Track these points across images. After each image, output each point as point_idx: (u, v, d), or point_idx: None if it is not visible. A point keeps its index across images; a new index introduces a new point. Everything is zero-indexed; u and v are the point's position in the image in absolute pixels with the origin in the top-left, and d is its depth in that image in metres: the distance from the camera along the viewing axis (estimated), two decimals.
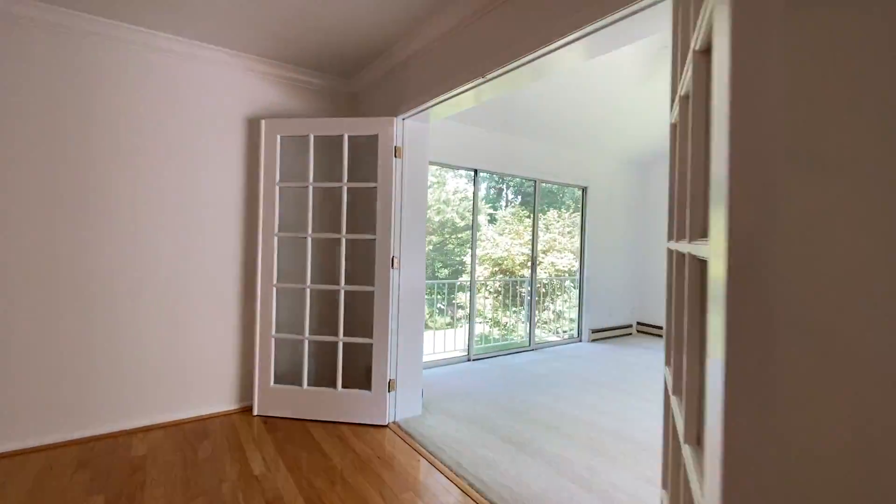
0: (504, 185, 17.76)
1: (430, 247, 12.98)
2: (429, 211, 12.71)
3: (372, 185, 3.03)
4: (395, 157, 3.01)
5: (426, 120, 3.11)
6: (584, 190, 5.87)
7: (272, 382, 3.09)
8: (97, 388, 2.76)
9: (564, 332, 6.58)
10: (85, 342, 2.72)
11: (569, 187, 5.70)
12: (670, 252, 1.38)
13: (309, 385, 3.10)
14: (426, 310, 11.92)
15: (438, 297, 12.92)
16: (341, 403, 3.03)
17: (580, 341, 5.82)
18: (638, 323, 6.53)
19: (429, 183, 12.79)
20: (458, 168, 4.70)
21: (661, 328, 6.23)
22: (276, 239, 3.09)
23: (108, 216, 2.76)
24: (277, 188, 3.08)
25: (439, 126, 4.46)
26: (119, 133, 2.78)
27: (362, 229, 3.25)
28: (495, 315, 10.22)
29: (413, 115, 2.95)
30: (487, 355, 4.97)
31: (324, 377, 3.40)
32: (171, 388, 2.98)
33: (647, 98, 4.75)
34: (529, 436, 2.97)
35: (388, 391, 3.01)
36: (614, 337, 6.10)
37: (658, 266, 6.39)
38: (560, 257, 11.44)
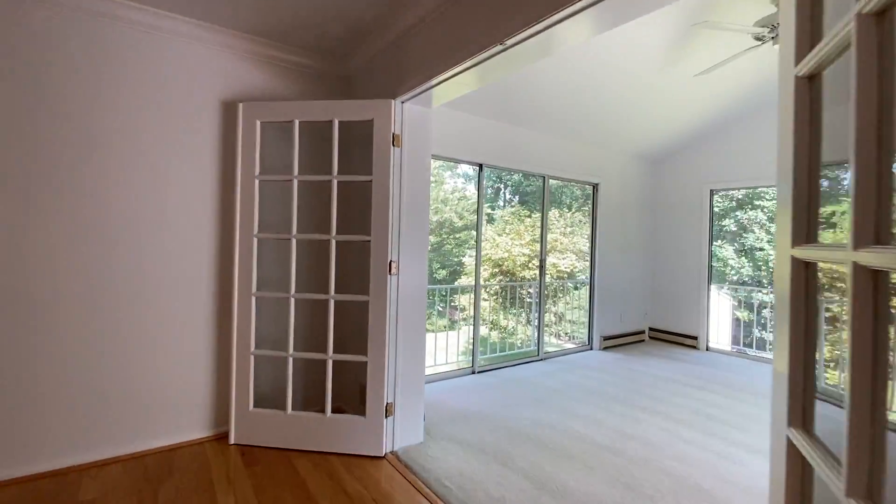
0: (502, 185, 17.38)
1: (429, 247, 12.53)
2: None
3: (366, 178, 2.59)
4: (394, 145, 2.58)
5: (428, 103, 2.68)
6: (595, 187, 5.46)
7: (251, 406, 2.66)
8: (42, 416, 2.31)
9: (573, 336, 6.18)
10: (26, 361, 2.27)
11: (579, 184, 5.30)
12: (797, 262, 0.96)
13: (294, 410, 2.67)
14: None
15: (437, 298, 12.52)
16: (331, 431, 2.60)
17: (591, 349, 5.41)
18: (650, 329, 6.12)
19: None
20: (463, 162, 4.27)
21: (675, 335, 5.84)
22: (255, 241, 2.65)
23: (53, 214, 2.31)
24: (257, 182, 2.64)
25: (442, 117, 4.03)
26: (65, 117, 2.33)
27: (356, 230, 2.82)
28: (496, 318, 9.82)
29: (414, 96, 2.52)
30: (493, 367, 4.55)
31: (312, 400, 2.97)
32: (132, 414, 2.54)
33: (669, 86, 4.33)
34: (550, 469, 2.54)
35: (386, 416, 2.58)
36: (626, 344, 5.69)
37: (671, 268, 5.99)
38: (562, 258, 11.04)
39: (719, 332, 5.78)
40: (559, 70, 3.88)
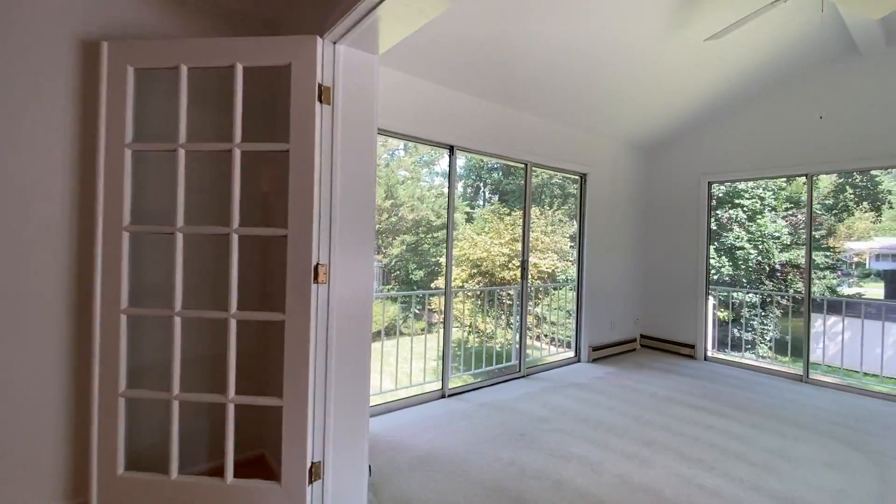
0: (481, 183, 16.70)
1: (404, 247, 11.78)
2: (402, 209, 11.49)
3: (281, 147, 1.81)
4: (321, 101, 1.80)
5: (373, 47, 1.91)
6: (582, 178, 4.77)
7: (121, 469, 1.85)
8: None
9: (556, 339, 5.49)
10: None
11: (565, 173, 4.60)
12: None
13: (181, 473, 1.87)
14: (399, 314, 10.64)
15: (414, 300, 11.70)
16: (233, 503, 1.81)
17: (579, 361, 4.71)
18: (642, 336, 5.47)
19: (401, 178, 11.50)
20: (429, 143, 3.50)
21: (669, 343, 5.19)
22: (125, 236, 1.84)
23: None
24: (129, 153, 1.84)
25: (403, 86, 3.26)
26: None
27: (280, 222, 2.03)
28: (473, 321, 9.09)
29: (349, 30, 1.74)
30: (468, 388, 3.79)
31: (208, 456, 2.17)
32: None
33: (668, 61, 3.66)
34: None
35: (309, 482, 1.80)
36: (617, 355, 5.01)
37: (665, 269, 5.34)
38: (543, 258, 10.39)
39: (715, 339, 5.17)
40: (546, 40, 3.15)
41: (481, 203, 16.01)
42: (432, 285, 10.11)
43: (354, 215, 1.95)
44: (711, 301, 5.14)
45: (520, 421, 3.11)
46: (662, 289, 5.34)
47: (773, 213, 13.80)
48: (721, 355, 4.97)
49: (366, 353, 2.00)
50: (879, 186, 13.95)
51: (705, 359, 4.95)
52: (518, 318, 4.34)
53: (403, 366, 5.03)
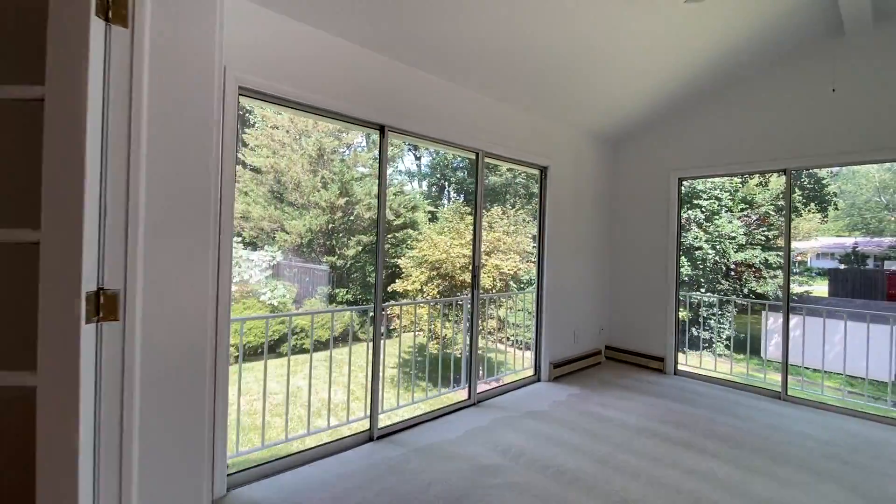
0: (446, 182, 16.03)
1: (360, 247, 10.95)
2: (358, 207, 10.65)
3: (31, 93, 1.06)
4: (107, 19, 1.06)
5: None
6: (543, 171, 4.15)
7: None
8: None
9: (525, 344, 4.86)
10: None
11: (523, 166, 3.97)
12: None
13: None
14: (354, 318, 9.86)
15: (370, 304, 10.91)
16: None
17: (538, 380, 4.09)
18: (607, 348, 4.92)
19: (359, 174, 10.65)
20: (354, 121, 2.77)
21: (636, 355, 4.66)
22: None
23: None
24: None
25: (318, 44, 2.51)
26: None
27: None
28: (430, 325, 8.41)
29: None
30: (404, 424, 3.05)
31: None
32: None
33: (637, 34, 3.06)
34: None
35: None
36: (581, 370, 4.43)
37: (632, 273, 4.81)
38: (505, 259, 9.82)
39: (687, 352, 4.68)
40: (498, 5, 2.49)
41: (446, 203, 15.37)
42: (389, 289, 9.35)
43: (179, 208, 1.20)
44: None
45: (462, 474, 2.42)
46: (629, 295, 4.80)
47: (730, 213, 13.79)
48: (691, 368, 4.47)
49: (202, 426, 1.25)
50: (826, 189, 14.17)
51: (675, 373, 4.44)
52: (468, 336, 3.66)
53: (342, 388, 4.29)
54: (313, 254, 10.15)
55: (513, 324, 8.29)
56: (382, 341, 3.15)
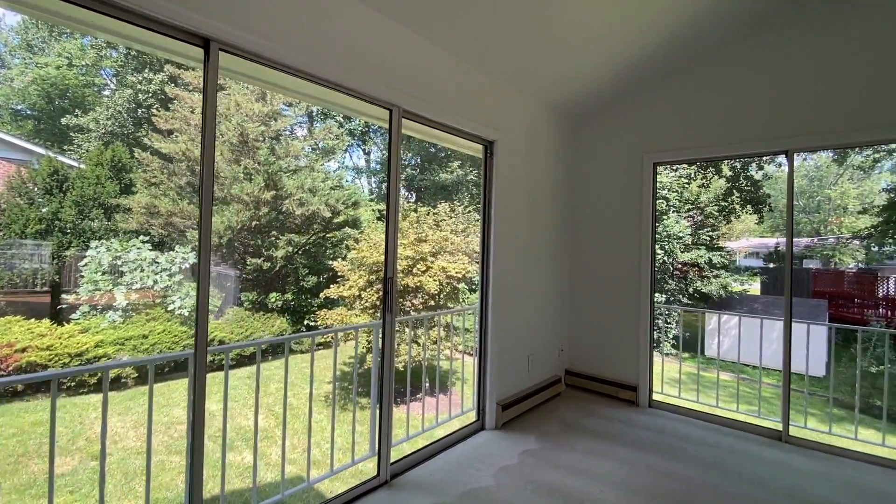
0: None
1: (291, 248, 9.46)
2: (289, 202, 9.10)
3: None
4: None
5: None
6: (488, 147, 3.03)
7: None
8: None
9: (470, 348, 3.71)
10: None
11: (462, 136, 2.83)
12: None
13: None
14: (289, 328, 8.40)
15: (306, 312, 9.45)
16: None
17: (482, 428, 2.97)
18: (568, 372, 3.90)
19: (288, 165, 9.18)
20: (163, 26, 1.51)
21: (603, 382, 3.66)
22: None
23: None
24: None
25: None
26: None
27: None
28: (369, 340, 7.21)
29: None
30: None
31: None
32: None
33: None
34: None
35: None
36: (537, 407, 3.35)
37: (597, 280, 3.81)
38: (453, 261, 8.72)
39: (663, 377, 3.75)
40: None
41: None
42: (324, 294, 7.98)
43: None
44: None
45: None
46: (594, 308, 3.80)
47: (677, 213, 13.45)
48: (667, 397, 3.52)
49: None
50: (761, 191, 14.11)
51: (650, 405, 3.47)
52: (376, 388, 2.44)
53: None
54: (235, 254, 8.61)
55: (465, 329, 7.24)
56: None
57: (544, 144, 3.53)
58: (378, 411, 2.31)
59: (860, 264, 14.05)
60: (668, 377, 6.41)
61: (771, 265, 16.50)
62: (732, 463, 2.56)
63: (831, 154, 13.60)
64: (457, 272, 7.94)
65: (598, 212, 3.78)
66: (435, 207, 9.02)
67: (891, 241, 10.30)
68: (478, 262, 3.06)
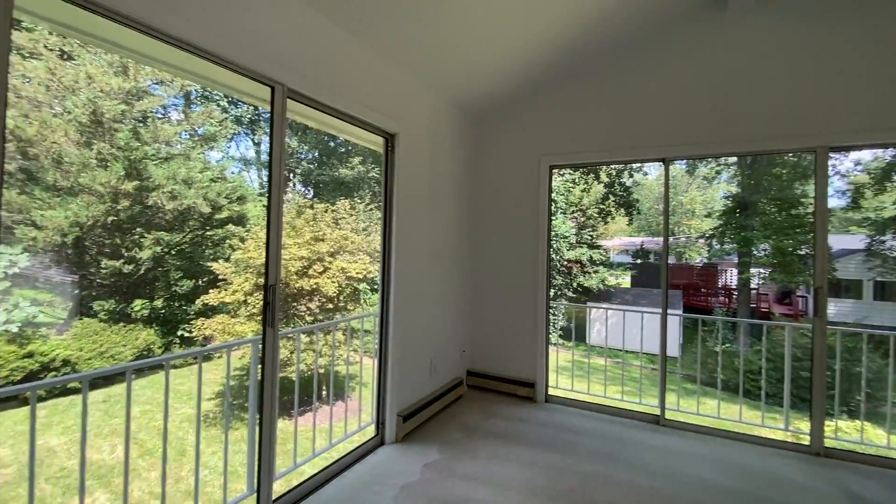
0: (290, 172, 13.63)
1: (160, 248, 8.16)
2: (156, 195, 7.75)
3: None
4: None
5: None
6: (389, 140, 2.81)
7: None
8: None
9: (372, 351, 3.39)
10: None
11: (359, 125, 2.56)
12: None
13: None
14: (159, 340, 7.26)
15: (180, 321, 8.25)
16: None
17: (382, 443, 2.75)
18: (469, 373, 3.85)
19: (155, 152, 7.95)
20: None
21: (503, 381, 3.68)
22: None
23: None
24: None
25: None
26: None
27: None
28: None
29: None
30: None
31: None
32: None
33: None
34: None
35: None
36: (439, 413, 3.23)
37: (497, 281, 3.81)
38: (353, 261, 8.31)
39: (557, 372, 3.89)
40: None
41: (290, 196, 13.04)
42: (201, 301, 7.01)
43: None
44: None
45: None
46: (494, 307, 3.80)
47: (564, 215, 14.56)
48: (563, 391, 3.65)
49: None
50: (632, 196, 15.92)
51: (547, 400, 3.57)
52: (255, 412, 2.09)
53: None
54: (86, 256, 7.18)
55: (363, 331, 6.90)
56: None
57: (447, 141, 3.42)
58: (257, 445, 1.96)
59: (705, 259, 16.67)
60: (559, 366, 6.81)
61: (638, 261, 18.78)
62: (621, 451, 2.69)
63: (684, 165, 15.78)
64: (357, 272, 7.57)
65: (499, 212, 3.79)
66: (334, 204, 8.52)
67: (728, 240, 12.27)
68: (380, 262, 2.83)
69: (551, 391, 3.59)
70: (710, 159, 13.00)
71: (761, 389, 3.66)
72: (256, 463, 1.95)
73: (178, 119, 9.75)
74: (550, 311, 3.64)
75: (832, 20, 2.71)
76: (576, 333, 13.01)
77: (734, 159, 12.30)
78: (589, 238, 14.97)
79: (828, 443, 2.76)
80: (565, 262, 14.18)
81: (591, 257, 14.46)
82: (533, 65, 3.18)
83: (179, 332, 7.77)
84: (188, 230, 8.10)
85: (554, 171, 3.68)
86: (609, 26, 2.94)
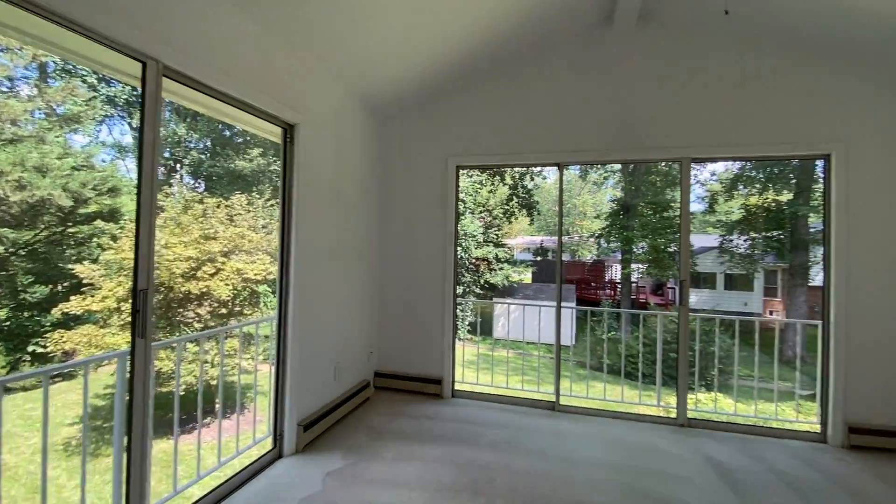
0: (176, 162, 12.22)
1: (3, 248, 6.70)
2: None
3: None
4: None
5: None
6: (288, 131, 2.62)
7: None
8: None
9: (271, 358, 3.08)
10: None
11: (251, 114, 2.31)
12: None
13: None
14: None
15: (32, 334, 6.92)
16: None
17: (280, 455, 2.56)
18: (377, 374, 3.77)
19: (4, 132, 6.65)
20: None
21: (410, 379, 3.66)
22: None
23: None
24: None
25: None
26: None
27: None
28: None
29: None
30: None
31: None
32: None
33: None
34: None
35: None
36: (346, 417, 3.10)
37: (404, 280, 3.78)
38: (251, 261, 7.69)
39: (463, 366, 3.98)
40: None
41: (176, 190, 11.63)
42: (58, 310, 5.94)
43: None
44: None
45: None
46: (404, 305, 3.77)
47: (472, 214, 15.04)
48: (468, 386, 3.75)
49: None
50: (533, 198, 16.99)
51: (453, 395, 3.63)
52: (119, 451, 1.82)
53: None
54: None
55: (264, 337, 6.41)
56: None
57: (353, 136, 3.30)
58: (125, 472, 1.69)
59: (595, 257, 18.40)
60: (466, 360, 7.02)
61: (538, 258, 20.14)
62: (520, 439, 2.83)
63: (577, 170, 17.20)
64: (256, 274, 7.02)
65: (408, 211, 3.76)
66: (228, 199, 7.82)
67: (613, 239, 13.64)
68: (277, 262, 2.63)
69: (458, 386, 3.67)
70: (598, 166, 14.38)
71: (632, 369, 4.11)
72: (124, 493, 1.68)
73: (29, 94, 8.16)
74: (459, 307, 3.70)
75: (700, 44, 3.13)
76: (483, 328, 13.54)
77: (619, 167, 13.75)
78: (495, 237, 15.63)
79: (690, 414, 3.19)
80: (473, 260, 14.67)
81: (497, 255, 15.13)
82: (441, 67, 3.20)
83: (31, 348, 6.52)
84: (42, 227, 6.84)
85: (462, 171, 3.75)
86: (511, 37, 3.07)
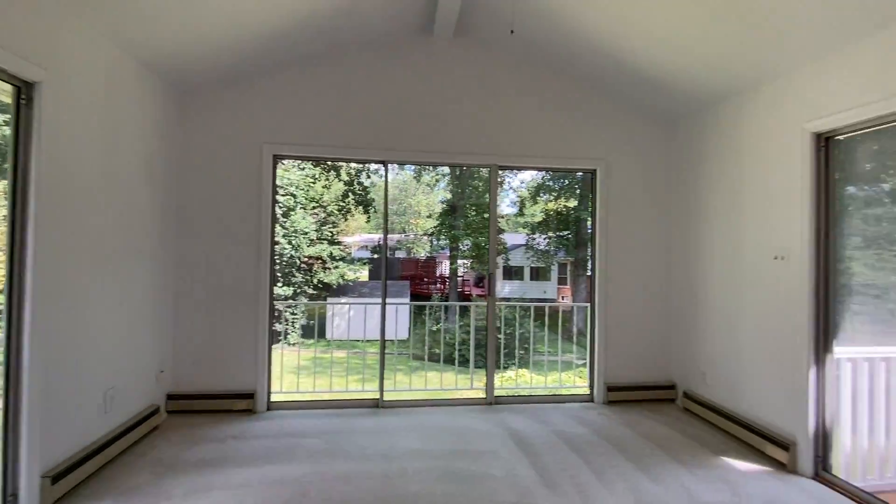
0: None
1: None
2: None
3: None
4: None
5: None
6: (21, 90, 1.92)
7: None
8: None
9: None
10: None
11: None
12: None
13: None
14: None
15: None
16: None
17: None
18: (171, 397, 3.14)
19: None
20: None
21: (215, 398, 3.16)
22: None
23: None
24: None
25: None
26: None
27: None
28: None
29: None
30: None
31: None
32: None
33: None
34: None
35: None
36: (119, 457, 2.45)
37: (205, 278, 3.27)
38: None
39: (282, 373, 3.65)
40: None
41: None
42: None
43: None
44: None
45: None
46: (208, 312, 3.24)
47: (304, 210, 14.18)
48: (286, 395, 3.46)
49: None
50: (369, 195, 17.03)
51: (269, 408, 3.30)
52: None
53: None
54: None
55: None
56: None
57: (138, 111, 2.67)
58: None
59: (427, 254, 19.40)
60: (294, 366, 6.55)
61: (375, 256, 20.25)
62: (340, 443, 2.73)
63: (412, 171, 17.84)
64: None
65: (213, 203, 3.25)
66: None
67: (443, 237, 14.64)
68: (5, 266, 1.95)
69: (274, 397, 3.35)
70: (430, 168, 15.19)
71: (460, 358, 4.43)
72: None
73: None
74: (290, 310, 3.37)
75: (506, 61, 3.49)
76: (319, 330, 12.91)
77: (447, 169, 14.75)
78: (330, 234, 15.06)
79: (497, 392, 3.56)
80: (305, 259, 13.84)
81: (332, 253, 14.60)
82: (254, 43, 2.84)
83: None
84: None
85: (280, 161, 3.42)
86: (336, 25, 2.91)
